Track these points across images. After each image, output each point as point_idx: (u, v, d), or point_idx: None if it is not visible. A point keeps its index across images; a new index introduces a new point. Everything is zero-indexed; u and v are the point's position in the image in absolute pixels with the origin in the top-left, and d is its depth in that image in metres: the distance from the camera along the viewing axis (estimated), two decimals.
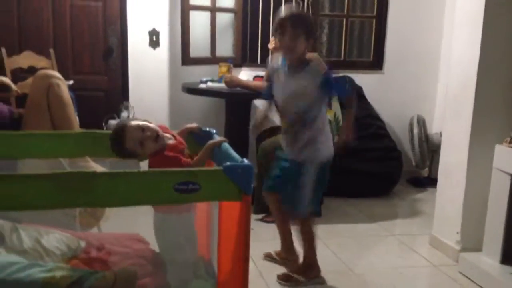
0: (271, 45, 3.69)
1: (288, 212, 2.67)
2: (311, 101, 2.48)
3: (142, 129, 1.80)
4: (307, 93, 2.47)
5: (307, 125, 2.49)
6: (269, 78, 2.68)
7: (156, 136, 1.81)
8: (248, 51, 4.74)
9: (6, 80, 2.90)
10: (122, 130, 1.82)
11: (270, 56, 4.21)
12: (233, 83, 3.66)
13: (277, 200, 2.71)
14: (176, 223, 1.86)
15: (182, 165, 1.76)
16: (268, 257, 2.90)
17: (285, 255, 2.81)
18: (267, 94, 2.69)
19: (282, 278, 2.65)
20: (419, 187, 4.49)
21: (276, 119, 3.10)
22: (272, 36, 3.76)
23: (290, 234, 2.78)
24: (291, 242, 2.79)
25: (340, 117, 3.52)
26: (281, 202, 2.69)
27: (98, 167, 2.45)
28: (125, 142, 1.80)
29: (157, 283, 1.89)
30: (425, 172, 4.71)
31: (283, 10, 2.54)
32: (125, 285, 1.40)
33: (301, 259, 2.72)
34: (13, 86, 2.91)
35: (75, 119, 2.73)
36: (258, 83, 3.71)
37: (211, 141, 1.81)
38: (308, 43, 2.44)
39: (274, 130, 3.69)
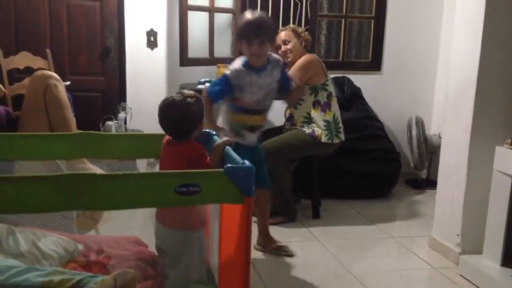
0: None
1: (264, 190, 2.89)
2: (276, 93, 2.76)
3: None
4: (276, 86, 2.71)
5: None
6: (228, 83, 2.59)
7: None
8: None
9: None
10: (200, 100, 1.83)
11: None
12: None
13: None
14: (184, 240, 1.80)
15: (207, 163, 1.75)
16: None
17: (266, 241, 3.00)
18: (216, 96, 2.61)
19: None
20: (417, 188, 4.48)
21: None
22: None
23: None
24: None
25: (339, 118, 3.51)
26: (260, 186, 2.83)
27: (96, 169, 2.42)
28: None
29: (154, 287, 1.87)
30: (423, 174, 4.70)
31: (246, 16, 2.57)
32: None
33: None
34: (0, 86, 2.88)
35: (73, 120, 2.71)
36: None
37: (218, 142, 1.78)
38: (271, 45, 2.65)
39: (274, 131, 3.68)
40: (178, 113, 1.76)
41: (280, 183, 3.36)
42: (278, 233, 3.28)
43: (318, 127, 3.43)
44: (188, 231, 1.78)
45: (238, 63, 2.61)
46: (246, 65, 2.59)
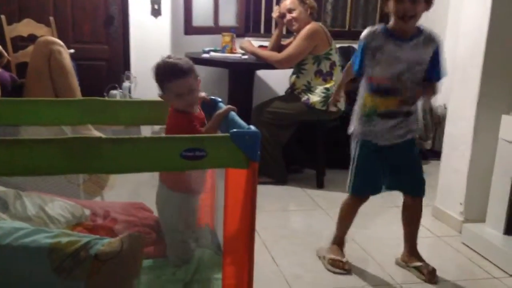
0: (275, 14, 3.64)
1: (414, 198, 2.55)
2: (424, 73, 2.24)
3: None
4: (424, 64, 2.22)
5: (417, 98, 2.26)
6: (364, 47, 2.22)
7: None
8: (251, 20, 4.67)
9: None
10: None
11: (274, 25, 4.15)
12: (247, 49, 3.63)
13: (362, 202, 2.57)
14: (180, 202, 1.84)
15: (197, 132, 1.75)
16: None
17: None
18: (359, 71, 2.28)
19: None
20: (422, 159, 4.47)
21: None
22: (276, 4, 3.72)
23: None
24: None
25: None
26: (407, 192, 2.57)
27: (101, 135, 2.42)
28: None
29: (160, 252, 1.90)
30: (428, 145, 4.69)
31: None
32: (131, 251, 1.39)
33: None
34: (4, 53, 2.87)
35: (77, 87, 2.70)
36: (272, 53, 3.63)
37: (219, 111, 1.78)
38: (426, 9, 2.17)
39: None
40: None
41: (264, 143, 3.41)
42: (281, 200, 3.32)
43: (314, 95, 3.43)
44: (186, 194, 1.82)
45: (375, 27, 2.23)
46: (385, 31, 2.21)
